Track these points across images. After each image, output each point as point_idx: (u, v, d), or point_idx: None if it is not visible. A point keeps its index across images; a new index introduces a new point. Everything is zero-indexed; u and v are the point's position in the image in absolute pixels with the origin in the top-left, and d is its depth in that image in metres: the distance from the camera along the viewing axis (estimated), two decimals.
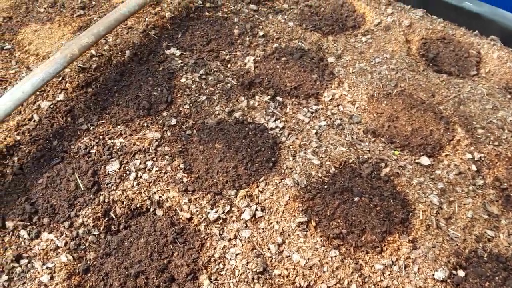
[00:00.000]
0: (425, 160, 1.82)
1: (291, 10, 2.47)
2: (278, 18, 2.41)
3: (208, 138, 1.78)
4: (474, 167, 1.80)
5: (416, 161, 1.81)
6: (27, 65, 2.00)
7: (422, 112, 2.00)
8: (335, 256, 1.49)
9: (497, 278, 1.47)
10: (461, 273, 1.49)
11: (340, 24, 2.41)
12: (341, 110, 1.97)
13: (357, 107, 2.00)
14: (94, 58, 2.04)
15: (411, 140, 1.89)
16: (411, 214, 1.64)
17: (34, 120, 1.77)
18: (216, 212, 1.57)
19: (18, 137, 1.70)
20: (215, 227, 1.54)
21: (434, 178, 1.76)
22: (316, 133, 1.86)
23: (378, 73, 2.16)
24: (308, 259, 1.48)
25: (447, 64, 2.32)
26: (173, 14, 2.33)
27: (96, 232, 1.48)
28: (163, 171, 1.67)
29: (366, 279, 1.45)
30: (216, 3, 2.43)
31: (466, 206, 1.67)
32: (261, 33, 2.28)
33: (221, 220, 1.55)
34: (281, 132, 1.85)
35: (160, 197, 1.59)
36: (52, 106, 1.82)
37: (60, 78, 1.92)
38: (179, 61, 2.08)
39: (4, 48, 2.07)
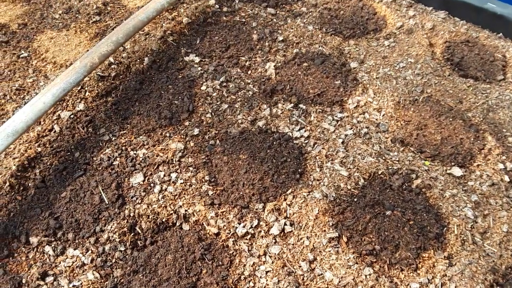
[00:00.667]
0: (457, 171, 1.75)
1: (310, 13, 2.41)
2: (297, 22, 2.34)
3: (232, 149, 1.73)
4: (507, 178, 1.74)
5: (448, 171, 1.75)
6: (45, 73, 1.94)
7: (450, 119, 1.93)
8: (369, 274, 1.43)
9: None
10: None
11: (361, 27, 2.35)
12: (367, 118, 1.91)
13: (383, 115, 1.93)
14: (112, 66, 1.98)
15: (441, 150, 1.82)
16: (445, 228, 1.58)
17: (55, 131, 1.71)
18: (244, 227, 1.51)
19: (39, 149, 1.64)
20: (244, 242, 1.48)
21: (467, 189, 1.70)
22: (342, 143, 1.80)
23: (403, 78, 2.10)
24: (342, 277, 1.42)
25: (472, 69, 2.25)
26: (190, 19, 2.27)
27: (122, 248, 1.43)
28: (188, 184, 1.61)
29: None
30: (234, 7, 2.37)
31: (501, 219, 1.61)
32: (280, 38, 2.22)
33: (249, 235, 1.50)
34: (306, 141, 1.79)
35: (186, 210, 1.54)
36: (72, 116, 1.77)
37: (80, 87, 1.87)
38: (199, 68, 2.03)
39: (21, 56, 2.02)
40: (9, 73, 1.93)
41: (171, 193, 1.58)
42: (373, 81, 2.07)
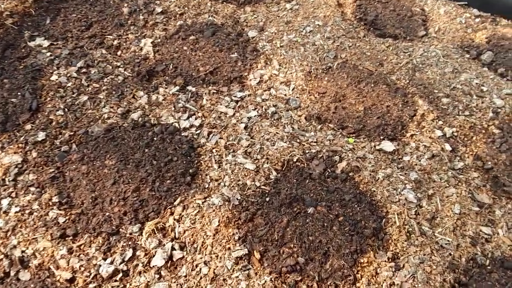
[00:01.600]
0: (388, 145, 1.41)
1: None
2: None
3: (95, 154, 1.25)
4: (448, 146, 1.42)
5: (377, 147, 1.40)
6: None
7: (372, 85, 1.60)
8: None
9: None
10: None
11: None
12: (273, 94, 1.52)
13: (293, 89, 1.55)
14: None
15: (366, 122, 1.48)
16: (384, 220, 1.22)
17: None
18: (111, 262, 1.05)
19: None
20: (112, 286, 1.02)
21: (404, 167, 1.36)
22: (245, 128, 1.39)
23: (312, 44, 1.74)
24: None
25: (390, 27, 1.94)
26: None
27: None
28: (27, 211, 1.11)
29: None
30: None
31: (450, 199, 1.28)
32: (159, 9, 1.77)
33: (120, 274, 1.04)
34: (198, 132, 1.36)
35: (23, 251, 1.04)
36: None
37: None
38: (48, 54, 1.52)
39: None
40: None
41: (0, 228, 1.07)
42: (277, 51, 1.68)
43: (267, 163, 1.31)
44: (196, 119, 1.38)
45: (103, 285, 1.02)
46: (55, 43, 1.56)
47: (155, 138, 1.30)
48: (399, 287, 1.07)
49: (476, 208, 1.26)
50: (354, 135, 1.44)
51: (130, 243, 1.09)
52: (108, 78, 1.47)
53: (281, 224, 1.16)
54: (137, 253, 1.07)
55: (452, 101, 1.57)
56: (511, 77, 1.71)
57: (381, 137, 1.44)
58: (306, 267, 1.10)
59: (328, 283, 1.07)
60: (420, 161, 1.37)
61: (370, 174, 1.31)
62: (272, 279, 1.06)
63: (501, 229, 1.22)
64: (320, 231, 1.16)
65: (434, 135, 1.45)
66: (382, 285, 1.07)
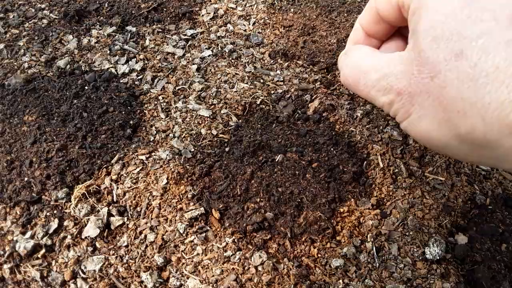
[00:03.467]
0: None
1: None
2: None
3: (12, 109, 1.02)
4: None
5: None
6: None
7: (345, 15, 1.38)
8: (262, 264, 0.84)
9: None
10: (462, 238, 0.92)
11: None
12: (231, 30, 1.29)
13: (254, 23, 1.33)
14: None
15: None
16: (365, 163, 1.03)
17: None
18: (31, 237, 0.84)
19: None
20: (33, 265, 0.81)
21: None
22: (198, 70, 1.17)
23: None
24: (217, 281, 0.81)
25: None
26: None
27: None
28: None
29: None
30: None
31: None
32: None
33: (43, 251, 0.83)
34: (140, 77, 1.13)
35: None
36: None
37: None
38: None
39: None
40: None
41: None
42: None
43: (226, 108, 1.10)
44: (137, 62, 1.15)
45: (21, 264, 0.81)
46: None
47: (86, 87, 1.07)
48: (387, 237, 0.89)
49: None
50: (324, 70, 1.23)
51: (55, 212, 0.87)
52: (30, 22, 1.22)
53: (244, 176, 0.97)
54: (65, 223, 0.86)
55: None
56: None
57: None
58: (276, 223, 0.90)
59: (303, 239, 0.89)
60: None
61: (347, 113, 1.11)
62: (235, 240, 0.87)
63: None
64: (291, 180, 0.96)
65: None
66: (367, 236, 0.89)
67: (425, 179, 0.99)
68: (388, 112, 0.54)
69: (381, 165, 1.01)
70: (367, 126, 1.09)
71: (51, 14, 1.25)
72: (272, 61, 1.23)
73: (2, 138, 0.96)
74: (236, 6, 1.35)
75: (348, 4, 1.41)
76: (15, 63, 1.12)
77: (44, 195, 0.89)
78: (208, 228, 0.89)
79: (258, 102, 1.12)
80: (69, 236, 0.85)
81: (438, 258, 0.87)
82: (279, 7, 1.38)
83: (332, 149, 1.04)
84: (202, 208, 0.91)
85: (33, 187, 0.89)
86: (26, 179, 0.90)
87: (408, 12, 0.48)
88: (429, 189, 0.98)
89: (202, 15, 1.31)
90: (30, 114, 1.00)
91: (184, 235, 0.87)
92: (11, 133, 0.97)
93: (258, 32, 1.30)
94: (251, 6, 1.36)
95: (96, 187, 0.91)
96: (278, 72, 1.20)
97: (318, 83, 1.18)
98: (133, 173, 0.94)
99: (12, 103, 1.02)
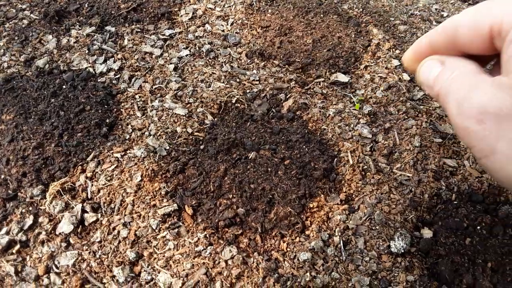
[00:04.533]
0: (340, 78, 1.24)
1: None
2: None
3: None
4: (406, 76, 1.26)
5: (328, 82, 1.23)
6: None
7: (322, 16, 1.41)
8: (233, 257, 0.87)
9: (479, 227, 0.95)
10: (427, 232, 0.95)
11: None
12: (209, 30, 1.32)
13: (232, 24, 1.35)
14: None
15: (315, 56, 1.30)
16: (336, 160, 1.06)
17: None
18: (7, 233, 0.86)
19: None
20: (8, 261, 0.83)
21: (357, 101, 1.20)
22: (175, 69, 1.19)
23: None
24: (187, 275, 0.84)
25: None
26: None
27: None
28: None
29: (289, 283, 0.85)
30: None
31: (409, 131, 1.13)
32: None
33: (17, 246, 0.85)
34: (117, 76, 1.16)
35: None
36: None
37: None
38: None
39: None
40: None
41: None
42: None
43: (202, 106, 1.12)
44: (114, 61, 1.17)
45: None
46: None
47: (64, 86, 1.10)
48: (354, 231, 0.92)
49: (439, 139, 1.11)
50: (299, 71, 1.26)
51: (30, 208, 0.90)
52: (10, 23, 1.24)
53: (217, 173, 0.99)
54: (40, 219, 0.89)
55: (409, 28, 1.40)
56: (473, 1, 1.55)
57: (332, 71, 1.27)
58: (247, 218, 0.93)
59: (273, 233, 0.92)
60: (375, 93, 1.21)
61: (320, 111, 1.15)
62: (207, 235, 0.90)
63: (467, 160, 1.07)
64: (263, 177, 0.99)
65: (390, 65, 1.29)
66: (334, 231, 0.92)
67: (393, 175, 1.03)
68: (474, 145, 0.46)
69: (351, 162, 1.04)
70: (338, 124, 1.12)
71: (31, 15, 1.26)
72: (248, 60, 1.26)
73: None
74: (215, 7, 1.38)
75: (325, 5, 1.44)
76: None
77: (20, 192, 0.91)
78: (181, 224, 0.92)
79: (233, 101, 1.15)
80: (43, 232, 0.87)
81: (403, 251, 0.90)
82: (257, 8, 1.41)
83: (304, 146, 1.07)
84: (175, 205, 0.94)
85: (9, 184, 0.92)
86: (2, 176, 0.92)
87: (506, 39, 0.43)
88: (397, 185, 1.01)
89: (181, 16, 1.33)
90: (8, 113, 1.02)
91: (156, 231, 0.90)
92: None
93: (236, 32, 1.32)
94: (230, 6, 1.39)
95: (71, 184, 0.94)
96: (255, 71, 1.23)
97: (293, 82, 1.21)
98: (107, 171, 0.97)
99: None
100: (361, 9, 1.46)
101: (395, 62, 1.30)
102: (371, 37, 1.38)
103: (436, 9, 1.49)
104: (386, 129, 1.13)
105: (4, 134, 0.98)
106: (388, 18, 1.44)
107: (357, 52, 1.33)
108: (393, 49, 1.34)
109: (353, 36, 1.37)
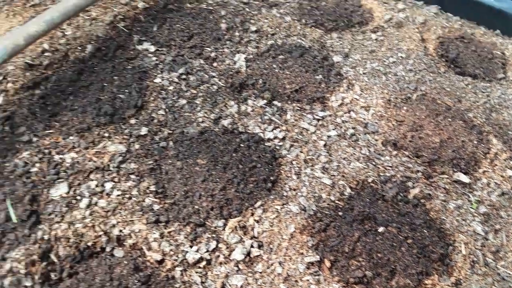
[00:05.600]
0: (462, 178, 1.45)
1: (288, 3, 2.12)
2: (273, 12, 2.05)
3: (188, 152, 1.39)
4: None
5: (451, 179, 1.44)
6: None
7: (449, 120, 1.64)
8: None
9: None
10: None
11: (344, 19, 2.06)
12: (353, 117, 1.60)
13: (372, 114, 1.63)
14: (46, 54, 1.64)
15: (441, 154, 1.52)
16: (451, 247, 1.26)
17: None
18: (197, 251, 1.17)
19: None
20: (196, 272, 1.14)
21: (475, 201, 1.40)
22: (324, 145, 1.48)
23: (393, 74, 1.81)
24: None
25: (470, 66, 1.97)
26: (147, 4, 1.95)
27: (28, 283, 1.06)
28: (127, 196, 1.26)
29: None
30: None
31: None
32: (253, 28, 1.92)
33: (204, 262, 1.15)
34: (281, 144, 1.47)
35: (121, 231, 1.19)
36: None
37: (1, 78, 1.52)
38: (154, 58, 1.70)
39: None
40: None
41: (102, 208, 1.23)
42: (359, 77, 1.77)
43: (343, 180, 1.39)
44: (280, 132, 1.49)
45: (188, 269, 1.14)
46: (160, 49, 1.75)
47: (241, 145, 1.43)
48: None
49: None
50: (427, 164, 1.49)
51: (214, 235, 1.20)
52: (204, 86, 1.62)
53: (352, 238, 1.24)
54: (220, 245, 1.19)
55: None
56: None
57: (454, 170, 1.48)
58: (372, 280, 1.16)
59: None
60: (490, 196, 1.40)
61: (441, 203, 1.36)
62: (340, 287, 1.14)
63: None
64: (389, 249, 1.22)
65: (505, 174, 1.48)
66: None
67: (496, 270, 1.21)
68: None
69: (464, 252, 1.24)
70: (456, 218, 1.33)
71: (219, 82, 1.64)
72: (383, 148, 1.51)
73: (181, 173, 1.33)
74: (360, 98, 1.67)
75: (453, 111, 1.67)
76: (193, 117, 1.50)
77: (207, 221, 1.23)
78: (320, 273, 1.17)
79: (369, 180, 1.40)
80: (221, 256, 1.17)
81: None
82: (394, 104, 1.68)
83: (425, 231, 1.28)
84: (317, 256, 1.20)
85: (201, 214, 1.24)
86: (196, 207, 1.25)
87: None
88: (499, 279, 1.19)
89: (332, 101, 1.64)
90: (201, 158, 1.36)
91: (302, 273, 1.16)
92: (187, 170, 1.33)
93: (375, 122, 1.59)
94: (372, 99, 1.67)
95: (244, 223, 1.24)
96: (388, 158, 1.48)
97: (420, 173, 1.44)
98: (270, 218, 1.26)
99: (189, 147, 1.40)
100: (484, 119, 1.67)
101: (510, 172, 1.49)
102: (490, 146, 1.58)
103: None
104: (496, 230, 1.32)
105: (199, 175, 1.32)
106: (507, 131, 1.64)
107: (478, 157, 1.54)
108: (509, 160, 1.52)
109: (475, 142, 1.58)
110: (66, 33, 1.73)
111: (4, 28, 1.73)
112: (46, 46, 1.64)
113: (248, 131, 1.49)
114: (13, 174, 1.25)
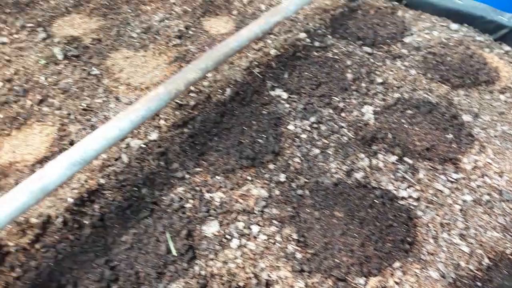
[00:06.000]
0: None
1: (412, 56, 2.13)
2: (397, 64, 2.07)
3: (325, 203, 1.42)
4: None
5: None
6: (116, 95, 1.75)
7: None
8: None
9: None
10: None
11: (471, 77, 2.03)
12: (487, 182, 1.57)
13: (506, 181, 1.58)
14: (192, 94, 1.77)
15: None
16: None
17: (122, 161, 1.48)
18: None
19: (103, 180, 1.41)
20: None
21: None
22: (460, 210, 1.46)
23: None
24: None
25: None
26: (278, 51, 2.05)
27: None
28: (272, 241, 1.32)
29: None
30: (325, 42, 2.14)
31: None
32: (379, 80, 1.95)
33: None
34: (415, 204, 1.46)
35: (269, 275, 1.23)
36: (143, 146, 1.54)
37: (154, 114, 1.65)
38: (286, 105, 1.77)
39: (91, 73, 1.84)
40: (76, 90, 1.74)
41: (251, 250, 1.28)
42: (491, 139, 1.73)
43: (480, 249, 1.36)
44: (414, 191, 1.49)
45: None
46: (291, 96, 1.82)
47: (376, 201, 1.44)
48: None
49: None
50: None
51: None
52: (335, 136, 1.67)
53: None
54: None
55: None
56: None
57: None
58: None
59: None
60: None
61: None
62: None
63: None
64: None
65: None
66: None
67: None
68: None
69: None
70: None
71: (349, 133, 1.68)
72: None
73: (319, 223, 1.36)
74: (493, 163, 1.63)
75: None
76: (326, 167, 1.55)
77: (347, 276, 1.24)
78: None
79: (507, 252, 1.36)
80: None
81: None
82: None
83: None
84: None
85: (341, 268, 1.26)
86: (336, 260, 1.27)
87: None
88: None
89: (464, 163, 1.61)
90: (338, 211, 1.39)
91: None
92: (325, 220, 1.37)
93: (510, 190, 1.54)
94: (505, 165, 1.62)
95: (384, 283, 1.24)
96: None
97: None
98: (410, 281, 1.25)
99: (324, 198, 1.43)
100: None
101: None
102: None
103: None
104: None
105: (337, 227, 1.34)
106: None
107: None
108: None
109: None
110: (207, 75, 1.85)
111: (152, 66, 1.89)
112: (191, 87, 1.77)
113: (381, 187, 1.50)
114: (170, 208, 1.35)
